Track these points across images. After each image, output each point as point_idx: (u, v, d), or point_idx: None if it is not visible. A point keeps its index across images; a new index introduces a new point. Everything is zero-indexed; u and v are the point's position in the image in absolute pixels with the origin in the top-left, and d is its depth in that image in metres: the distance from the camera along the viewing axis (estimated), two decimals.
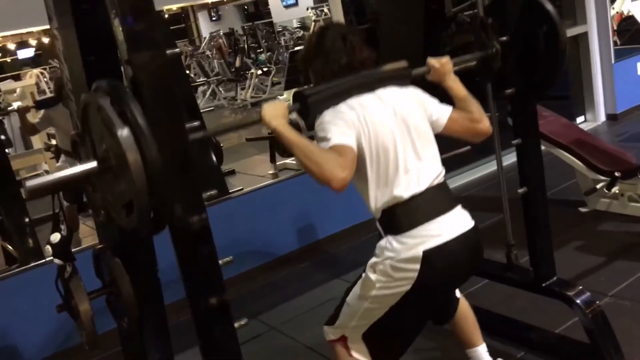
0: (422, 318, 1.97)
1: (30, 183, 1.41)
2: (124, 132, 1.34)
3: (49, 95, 8.14)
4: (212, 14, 14.89)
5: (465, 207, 1.89)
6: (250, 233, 3.75)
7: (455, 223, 1.79)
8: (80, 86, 1.69)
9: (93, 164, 1.47)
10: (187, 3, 12.04)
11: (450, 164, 1.98)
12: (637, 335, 2.50)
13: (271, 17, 13.53)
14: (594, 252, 3.30)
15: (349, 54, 1.84)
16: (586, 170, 3.67)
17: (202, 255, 1.59)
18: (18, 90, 7.90)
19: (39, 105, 5.45)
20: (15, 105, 5.90)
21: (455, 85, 1.95)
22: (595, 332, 2.26)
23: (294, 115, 1.92)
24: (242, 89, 10.49)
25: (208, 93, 10.47)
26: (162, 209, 1.46)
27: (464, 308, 2.15)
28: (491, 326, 2.44)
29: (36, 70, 10.01)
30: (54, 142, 5.81)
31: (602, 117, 5.80)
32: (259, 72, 10.46)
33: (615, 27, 5.80)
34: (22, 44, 12.09)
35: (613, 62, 5.62)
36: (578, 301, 2.29)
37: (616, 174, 3.47)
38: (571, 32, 5.36)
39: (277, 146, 5.61)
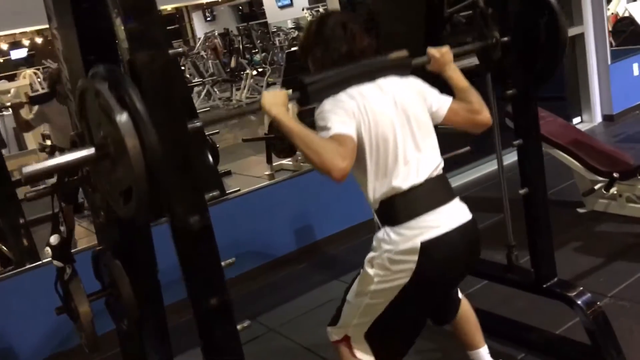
0: (422, 314, 1.95)
1: (27, 168, 1.38)
2: (122, 117, 1.31)
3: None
4: (207, 14, 14.84)
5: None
6: (248, 234, 3.74)
7: (453, 215, 1.79)
8: None
9: (91, 150, 1.44)
10: (181, 3, 12.01)
11: (449, 164, 1.97)
12: (637, 336, 2.50)
13: (266, 18, 13.50)
14: (592, 253, 3.30)
15: (349, 42, 1.82)
16: (584, 171, 3.68)
17: (204, 255, 1.58)
18: (12, 90, 7.85)
19: (32, 100, 5.42)
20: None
21: (456, 76, 1.94)
22: (597, 333, 2.26)
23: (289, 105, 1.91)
24: (238, 89, 10.47)
25: (203, 94, 10.44)
26: (161, 197, 1.43)
27: (466, 309, 2.15)
28: (491, 327, 2.43)
29: (30, 71, 9.95)
30: (48, 142, 5.77)
31: (599, 118, 5.81)
32: (254, 72, 10.44)
33: (610, 29, 5.83)
34: (15, 44, 12.02)
35: (609, 63, 5.63)
36: (579, 302, 2.29)
37: (614, 174, 3.48)
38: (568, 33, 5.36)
39: (273, 147, 5.60)
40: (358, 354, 1.91)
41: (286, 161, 5.73)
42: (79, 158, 1.44)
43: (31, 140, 6.44)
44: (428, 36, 2.42)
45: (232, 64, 10.97)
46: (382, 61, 1.85)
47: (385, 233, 1.77)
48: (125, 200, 1.44)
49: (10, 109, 5.21)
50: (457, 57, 2.00)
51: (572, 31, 5.46)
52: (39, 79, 9.46)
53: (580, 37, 5.58)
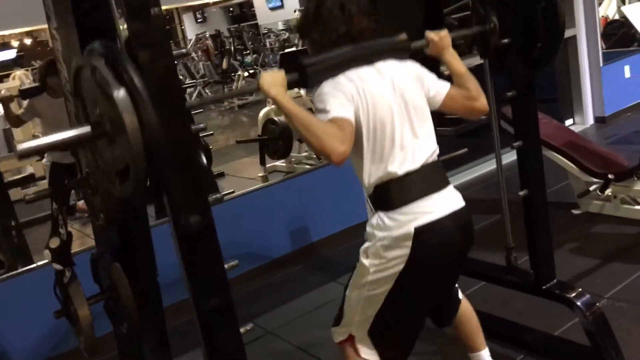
0: (421, 307, 1.93)
1: (22, 145, 1.34)
2: (120, 93, 1.28)
3: None
4: (198, 15, 14.80)
5: None
6: (244, 236, 3.72)
7: (447, 201, 1.79)
8: None
9: (86, 128, 1.41)
10: (172, 5, 11.97)
11: (446, 164, 1.97)
12: (636, 336, 2.50)
13: (256, 19, 13.48)
14: (588, 254, 3.31)
15: (348, 23, 1.81)
16: (579, 173, 3.69)
17: (207, 256, 1.57)
18: (2, 91, 7.78)
19: (23, 94, 5.37)
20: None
21: (454, 61, 1.93)
22: (596, 334, 2.26)
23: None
24: (229, 91, 10.44)
25: (194, 95, 10.40)
26: (159, 177, 1.40)
27: (468, 312, 2.14)
28: (490, 329, 2.41)
29: (20, 72, 9.88)
30: None
31: (591, 120, 5.85)
32: (246, 74, 10.42)
33: (600, 31, 5.86)
34: (4, 46, 11.92)
35: (601, 65, 5.67)
36: (579, 303, 2.29)
37: (609, 176, 3.50)
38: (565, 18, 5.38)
39: (267, 148, 5.59)
40: (363, 353, 1.90)
41: (280, 163, 5.72)
42: (74, 136, 1.41)
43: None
44: (427, 21, 2.40)
45: (224, 65, 10.94)
46: (381, 44, 1.84)
47: (379, 218, 1.77)
48: (121, 180, 1.40)
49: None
50: (455, 42, 1.99)
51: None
52: (28, 80, 9.40)
53: (573, 39, 5.60)
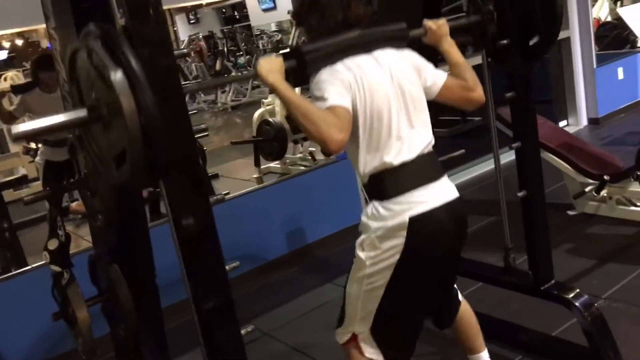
0: (420, 302, 1.91)
1: (17, 127, 1.31)
2: (117, 75, 1.26)
3: None
4: (190, 16, 14.76)
5: None
6: (239, 238, 3.70)
7: (441, 191, 1.80)
8: None
9: (82, 112, 1.38)
10: (165, 6, 11.90)
11: (443, 165, 1.96)
12: (634, 337, 2.51)
13: (249, 21, 13.46)
14: (584, 255, 3.32)
15: (345, 9, 1.80)
16: (575, 174, 3.70)
17: (208, 256, 1.56)
18: None
19: (15, 90, 5.33)
20: None
21: (452, 50, 1.94)
22: (595, 335, 2.26)
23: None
24: (223, 92, 10.42)
25: (187, 96, 10.34)
26: (156, 161, 1.36)
27: (468, 313, 2.14)
28: (487, 330, 2.41)
29: (11, 73, 9.82)
30: (32, 145, 5.68)
31: (584, 121, 5.87)
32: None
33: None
34: None
35: (595, 66, 5.69)
36: (577, 304, 2.29)
37: (605, 177, 3.51)
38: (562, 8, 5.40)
39: (262, 149, 5.58)
40: (367, 352, 1.89)
41: (274, 164, 5.71)
42: (69, 120, 1.38)
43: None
44: (426, 10, 2.39)
45: (217, 66, 10.91)
46: (379, 32, 1.84)
47: (374, 208, 1.77)
48: (118, 165, 1.37)
49: None
50: (453, 30, 1.98)
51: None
52: (20, 82, 9.34)
53: (566, 41, 5.63)
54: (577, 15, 5.57)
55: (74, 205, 4.48)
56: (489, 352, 2.22)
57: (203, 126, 1.56)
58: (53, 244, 1.74)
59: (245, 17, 13.87)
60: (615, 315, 2.65)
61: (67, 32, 1.65)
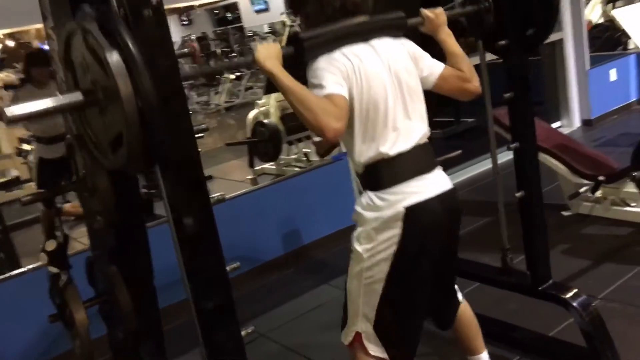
0: (420, 296, 1.88)
1: (10, 110, 1.28)
2: (113, 57, 1.23)
3: None
4: (183, 18, 14.72)
5: None
6: (234, 239, 3.68)
7: (436, 182, 1.81)
8: None
9: (78, 95, 1.35)
10: None
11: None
12: (630, 337, 2.52)
13: (241, 22, 13.45)
14: (580, 256, 3.33)
15: None
16: (569, 175, 3.72)
17: (209, 257, 1.56)
18: None
19: (7, 86, 5.31)
20: None
21: (449, 40, 1.93)
22: (593, 335, 2.27)
23: None
24: (216, 93, 10.40)
25: None
26: (153, 145, 1.34)
27: (468, 314, 2.13)
28: (485, 330, 2.42)
29: (2, 74, 9.75)
30: (25, 146, 5.64)
31: (577, 123, 5.90)
32: (232, 77, 10.37)
33: None
34: None
35: (588, 68, 5.72)
36: (575, 304, 2.30)
37: (600, 178, 3.52)
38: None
39: (256, 150, 5.57)
40: (371, 351, 1.87)
41: (268, 165, 5.70)
42: (64, 103, 1.35)
43: (5, 144, 6.29)
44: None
45: None
46: (377, 20, 1.83)
47: (369, 198, 1.77)
48: (114, 149, 1.35)
49: None
50: (450, 19, 1.98)
51: (551, 37, 5.51)
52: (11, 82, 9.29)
53: (560, 43, 5.65)
54: (571, 17, 5.59)
55: (67, 206, 4.45)
56: (488, 352, 2.22)
57: (204, 126, 1.54)
58: (51, 245, 1.72)
59: (238, 19, 13.87)
60: (612, 315, 2.65)
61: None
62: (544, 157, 3.73)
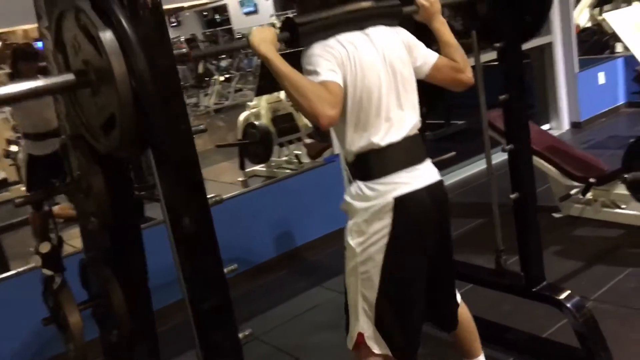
0: (417, 284, 1.87)
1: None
2: (107, 35, 1.20)
3: None
4: (172, 20, 14.67)
5: None
6: (227, 241, 3.62)
7: (425, 174, 1.82)
8: None
9: (69, 76, 1.31)
10: None
11: None
12: (623, 338, 2.53)
13: (230, 24, 13.43)
14: (571, 257, 3.35)
15: None
16: (560, 177, 3.74)
17: (207, 258, 1.55)
18: None
19: None
20: None
21: (443, 29, 1.93)
22: (587, 336, 2.28)
23: None
24: (205, 95, 10.36)
25: None
26: (147, 128, 1.30)
27: (466, 318, 2.12)
28: (479, 332, 2.42)
29: None
30: (12, 148, 5.59)
31: (566, 125, 5.93)
32: (222, 78, 10.35)
33: None
34: None
35: (577, 71, 5.76)
36: (569, 305, 2.31)
37: (591, 180, 3.55)
38: (536, 42, 5.48)
39: (247, 152, 5.56)
40: (375, 349, 1.86)
41: (259, 167, 5.69)
42: (55, 83, 1.31)
43: None
44: None
45: (200, 69, 10.85)
46: (373, 8, 1.82)
47: (359, 188, 1.78)
48: (106, 132, 1.32)
49: None
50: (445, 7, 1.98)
51: (540, 40, 5.58)
52: None
53: (549, 46, 5.69)
54: (560, 20, 5.63)
55: (56, 209, 4.40)
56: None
57: (202, 127, 1.54)
58: (45, 247, 1.70)
59: (227, 21, 13.84)
60: (604, 317, 2.66)
61: None
62: (534, 160, 3.72)
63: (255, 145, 5.29)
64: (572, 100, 5.85)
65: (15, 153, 5.30)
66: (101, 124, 1.33)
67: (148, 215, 3.84)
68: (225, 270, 1.60)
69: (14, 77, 4.19)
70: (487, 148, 2.46)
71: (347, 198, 1.82)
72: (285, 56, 1.66)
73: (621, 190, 3.52)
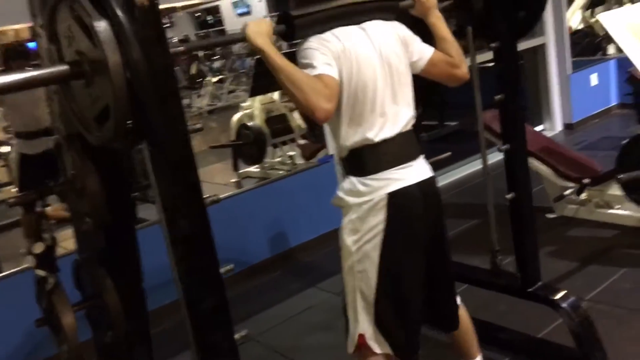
0: (414, 280, 1.85)
1: None
2: (101, 25, 1.19)
3: None
4: (164, 21, 14.62)
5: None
6: (220, 242, 3.62)
7: (417, 170, 1.82)
8: None
9: (63, 66, 1.29)
10: None
11: None
12: (618, 338, 2.53)
13: (223, 25, 13.38)
14: (566, 258, 3.36)
15: None
16: (554, 177, 3.74)
17: (203, 258, 1.53)
18: None
19: None
20: None
21: (439, 23, 1.92)
22: (582, 336, 2.28)
23: None
24: (198, 96, 10.33)
25: None
26: (141, 119, 1.28)
27: (464, 319, 2.11)
28: (475, 332, 2.42)
29: None
30: (3, 149, 5.54)
31: (559, 127, 5.95)
32: (215, 79, 10.32)
33: None
34: None
35: (569, 73, 5.78)
36: (565, 305, 2.31)
37: (585, 181, 3.55)
38: (529, 43, 5.50)
39: (241, 153, 5.54)
40: (377, 349, 1.85)
41: (253, 168, 5.68)
42: (48, 74, 1.29)
43: None
44: None
45: (193, 70, 10.82)
46: (369, 2, 1.82)
47: (351, 183, 1.78)
48: (100, 124, 1.30)
49: None
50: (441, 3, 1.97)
51: (533, 42, 5.60)
52: None
53: (542, 47, 5.70)
54: (553, 22, 5.65)
55: (48, 210, 4.36)
56: None
57: (198, 126, 1.52)
58: (39, 248, 1.68)
59: (219, 22, 13.79)
60: (599, 317, 2.66)
61: None
62: (529, 160, 3.75)
63: (248, 146, 5.28)
64: (565, 101, 5.87)
65: (7, 154, 5.25)
66: (95, 115, 1.31)
67: (140, 217, 3.82)
68: (221, 270, 1.58)
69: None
70: (482, 148, 2.46)
71: (340, 193, 1.82)
72: (285, 56, 1.65)
73: (615, 190, 3.53)
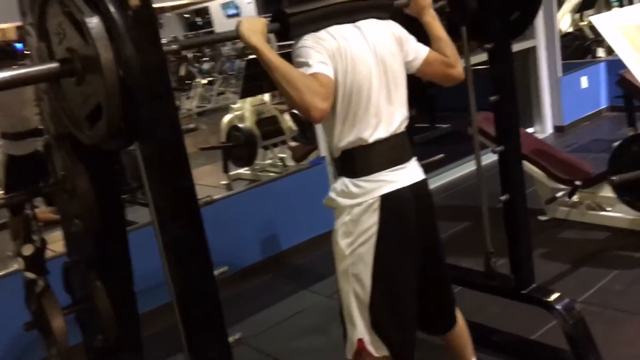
0: (408, 280, 1.84)
1: None
2: (93, 21, 1.16)
3: None
4: None
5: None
6: (211, 245, 3.61)
7: (409, 173, 1.81)
8: None
9: (53, 63, 1.26)
10: None
11: None
12: (611, 340, 2.53)
13: (212, 27, 13.33)
14: (558, 260, 3.36)
15: None
16: (546, 180, 3.75)
17: (196, 261, 1.51)
18: None
19: None
20: None
21: (434, 23, 1.91)
22: (576, 338, 2.27)
23: None
24: (188, 98, 10.27)
25: None
26: (134, 118, 1.26)
27: (461, 324, 2.10)
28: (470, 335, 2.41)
29: None
30: None
31: (550, 129, 5.98)
32: (204, 81, 10.27)
33: None
34: None
35: (560, 75, 5.80)
36: (559, 307, 2.31)
37: (577, 183, 3.56)
38: (520, 46, 5.51)
39: (231, 155, 5.51)
40: (377, 352, 1.83)
41: (243, 170, 5.64)
42: (38, 71, 1.26)
43: None
44: None
45: (182, 72, 10.75)
46: (364, 1, 1.80)
47: (344, 185, 1.76)
48: (91, 124, 1.28)
49: None
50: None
51: (524, 45, 5.62)
52: None
53: (533, 50, 5.73)
54: (544, 25, 5.67)
55: (38, 211, 4.30)
56: None
57: (192, 126, 1.50)
58: (28, 250, 1.65)
59: (209, 24, 13.75)
60: (592, 319, 2.66)
61: None
62: None
63: (239, 148, 5.25)
64: (556, 104, 5.90)
65: None
66: (87, 114, 1.29)
67: (129, 219, 3.78)
68: (215, 272, 1.56)
69: None
70: (476, 150, 2.45)
71: (332, 194, 1.80)
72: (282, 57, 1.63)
73: (607, 192, 3.54)
